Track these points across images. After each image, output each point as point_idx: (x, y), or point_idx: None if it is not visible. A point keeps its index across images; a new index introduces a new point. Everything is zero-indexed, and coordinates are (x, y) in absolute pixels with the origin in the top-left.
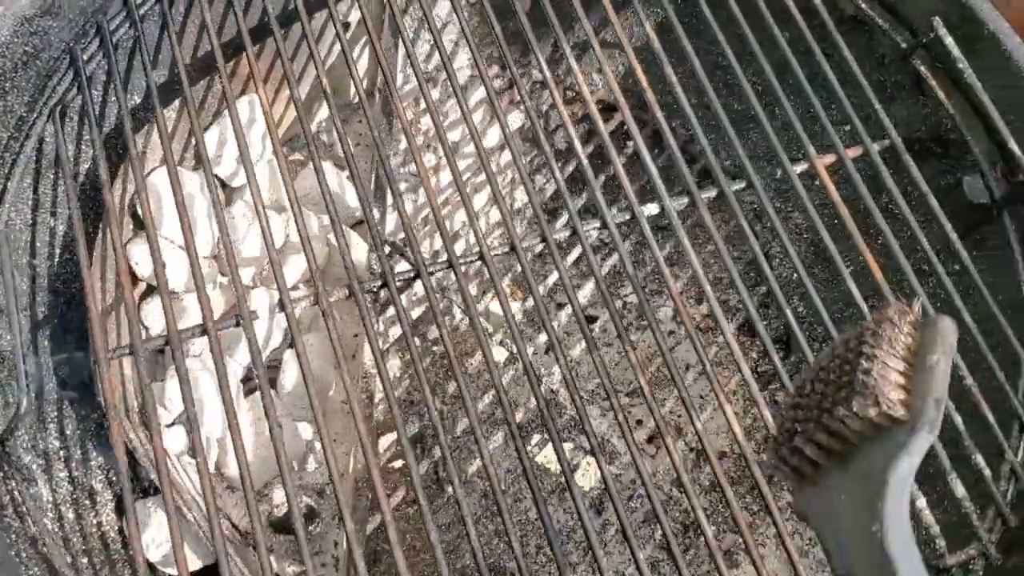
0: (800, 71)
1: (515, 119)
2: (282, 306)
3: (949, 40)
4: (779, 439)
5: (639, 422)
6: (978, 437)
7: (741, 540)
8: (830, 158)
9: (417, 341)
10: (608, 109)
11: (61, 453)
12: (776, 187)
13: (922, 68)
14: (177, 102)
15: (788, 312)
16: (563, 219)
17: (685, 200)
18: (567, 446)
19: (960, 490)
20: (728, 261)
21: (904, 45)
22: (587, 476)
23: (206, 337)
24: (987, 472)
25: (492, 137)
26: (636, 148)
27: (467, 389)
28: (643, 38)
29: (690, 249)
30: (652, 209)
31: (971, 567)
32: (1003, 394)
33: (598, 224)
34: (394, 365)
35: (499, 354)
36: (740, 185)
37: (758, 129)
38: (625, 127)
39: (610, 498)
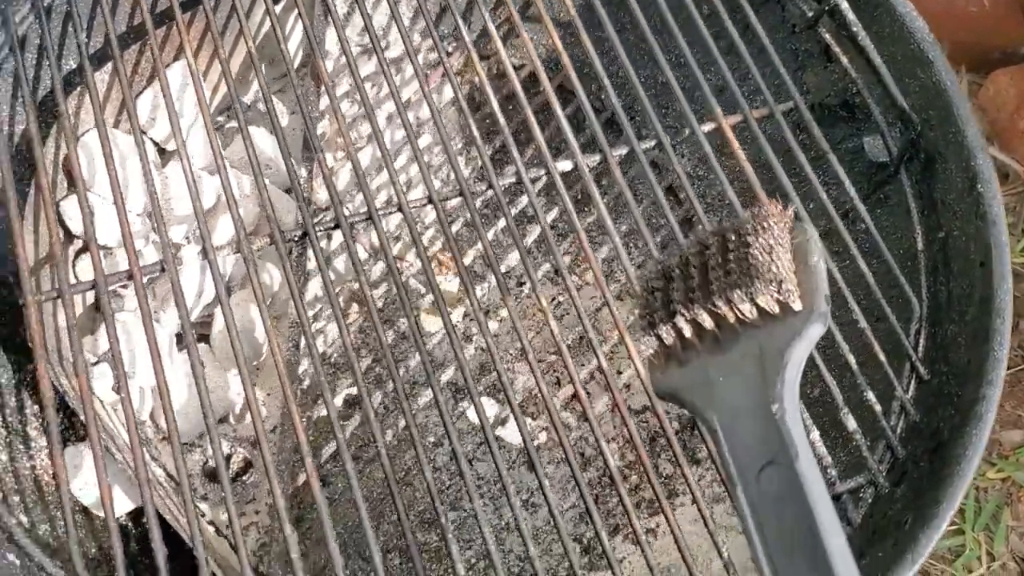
0: (711, 43)
1: (449, 92)
2: (205, 253)
3: (845, 5)
4: (651, 309)
5: (559, 386)
6: (871, 376)
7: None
8: (736, 118)
9: (343, 301)
10: (534, 82)
11: None
12: (698, 156)
13: (827, 36)
14: (111, 66)
15: None
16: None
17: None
18: (495, 407)
19: (852, 424)
20: (645, 232)
21: (810, 14)
22: (515, 434)
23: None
24: (878, 408)
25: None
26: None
27: (389, 351)
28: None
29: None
30: (592, 159)
31: (861, 494)
32: (896, 337)
33: (542, 171)
34: (331, 331)
35: (432, 323)
36: (649, 144)
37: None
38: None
39: (527, 454)
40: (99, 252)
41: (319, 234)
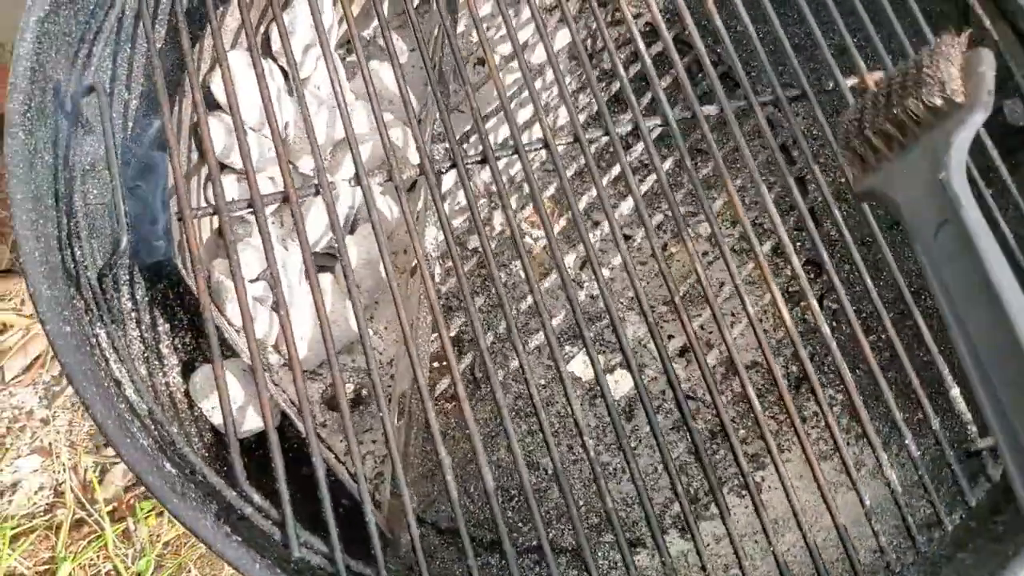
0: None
1: (565, 36)
2: (357, 179)
3: None
4: (848, 133)
5: (671, 337)
6: None
7: (765, 445)
8: (878, 74)
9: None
10: (651, 33)
11: (133, 315)
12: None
13: None
14: None
15: (817, 237)
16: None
17: (743, 102)
18: (600, 357)
19: None
20: (762, 187)
21: None
22: (619, 385)
23: (273, 221)
24: None
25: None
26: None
27: (503, 291)
28: None
29: (747, 151)
30: (712, 109)
31: (998, 451)
32: None
33: (658, 120)
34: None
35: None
36: (795, 92)
37: (803, 56)
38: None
39: (641, 403)
40: (253, 171)
41: (466, 166)
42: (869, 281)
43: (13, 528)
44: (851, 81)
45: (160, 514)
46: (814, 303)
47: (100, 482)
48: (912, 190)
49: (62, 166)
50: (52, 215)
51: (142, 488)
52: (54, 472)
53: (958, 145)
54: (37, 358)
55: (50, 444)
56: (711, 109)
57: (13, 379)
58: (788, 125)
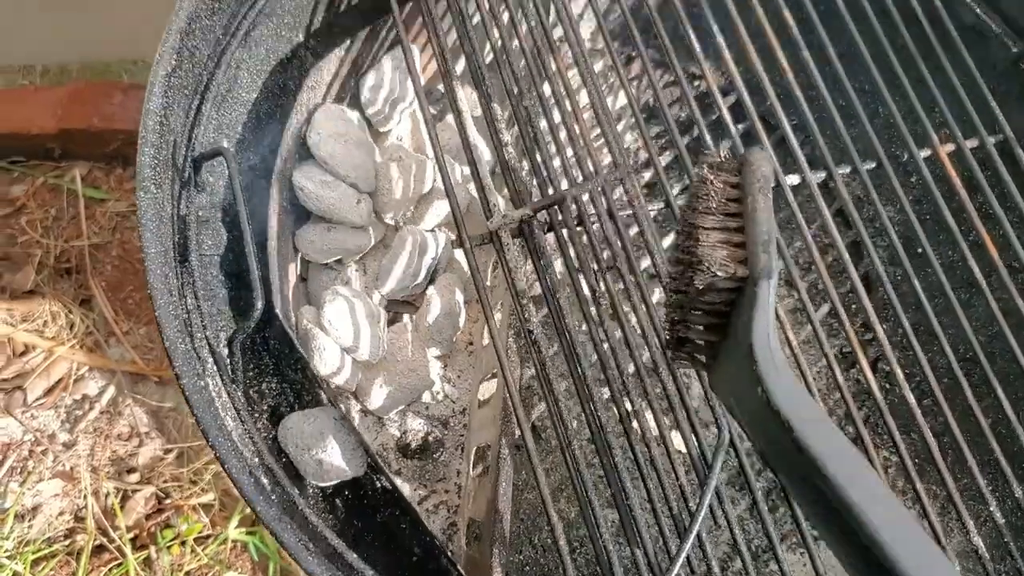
0: (924, 68)
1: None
2: (460, 242)
3: None
4: (669, 336)
5: None
6: None
7: None
8: (950, 147)
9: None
10: (722, 93)
11: (228, 363)
12: (859, 193)
13: None
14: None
15: (868, 304)
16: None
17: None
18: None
19: None
20: (815, 252)
21: (1015, 50)
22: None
23: (357, 269)
24: None
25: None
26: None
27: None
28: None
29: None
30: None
31: None
32: None
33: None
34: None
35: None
36: (846, 169)
37: (858, 126)
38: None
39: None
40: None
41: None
42: (919, 349)
43: (34, 553)
44: (925, 152)
45: (183, 543)
46: (867, 368)
47: (122, 508)
48: (743, 400)
49: (178, 219)
50: (173, 267)
51: (164, 516)
52: (75, 497)
53: (758, 338)
54: (59, 381)
55: (72, 469)
56: (794, 179)
57: (35, 401)
58: (841, 194)
